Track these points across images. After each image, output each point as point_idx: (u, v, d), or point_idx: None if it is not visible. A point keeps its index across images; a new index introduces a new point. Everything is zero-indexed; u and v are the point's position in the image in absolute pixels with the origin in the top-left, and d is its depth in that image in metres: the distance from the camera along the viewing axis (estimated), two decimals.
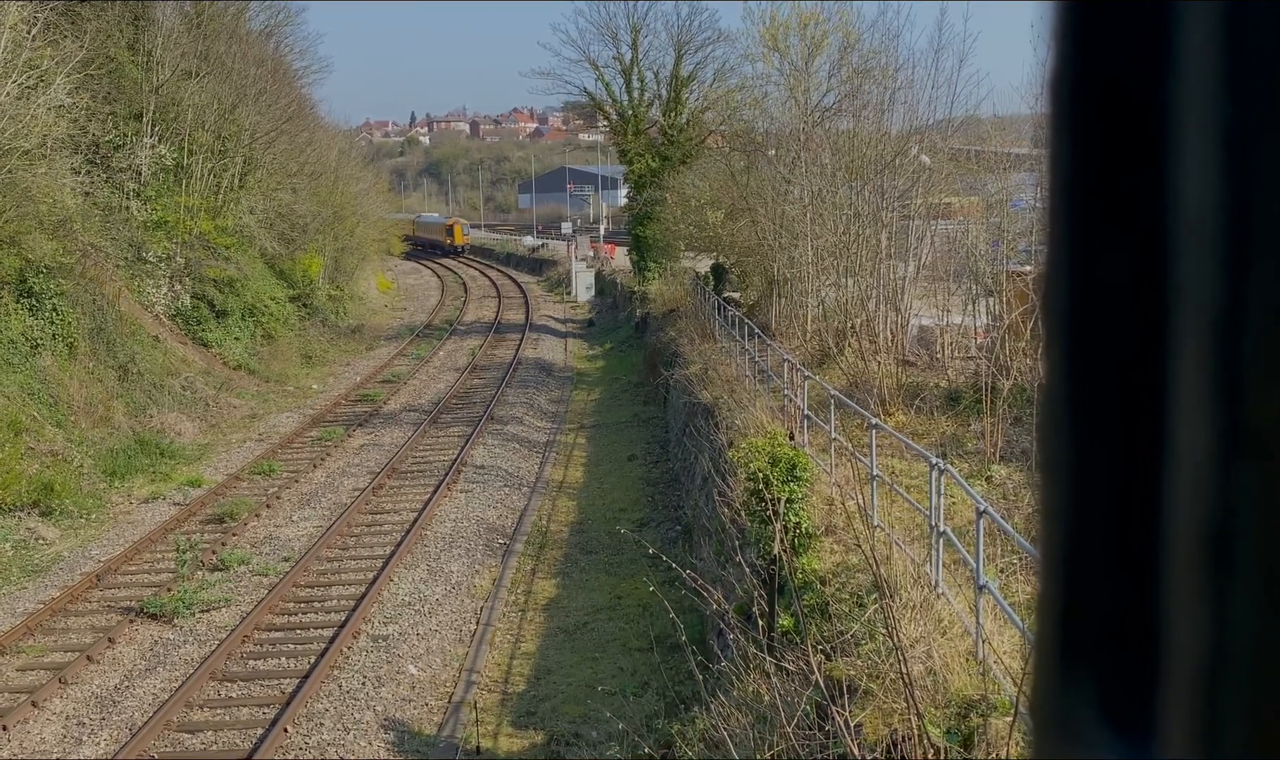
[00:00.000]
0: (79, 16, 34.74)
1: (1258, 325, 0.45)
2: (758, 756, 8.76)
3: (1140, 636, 0.51)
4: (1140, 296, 0.51)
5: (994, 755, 7.46)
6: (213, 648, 16.61)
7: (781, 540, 11.27)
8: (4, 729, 14.25)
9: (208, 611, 18.15)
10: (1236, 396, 0.45)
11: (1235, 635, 0.46)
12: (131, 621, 17.66)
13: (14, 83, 26.43)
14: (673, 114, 50.50)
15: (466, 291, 71.44)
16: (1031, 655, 0.58)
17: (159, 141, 38.12)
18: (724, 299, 32.55)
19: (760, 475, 12.75)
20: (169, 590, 18.58)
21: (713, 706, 10.48)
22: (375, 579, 19.18)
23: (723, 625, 12.28)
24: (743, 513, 13.54)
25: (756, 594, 11.70)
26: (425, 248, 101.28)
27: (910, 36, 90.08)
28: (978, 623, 8.88)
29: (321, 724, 14.45)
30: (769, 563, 12.00)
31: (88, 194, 33.07)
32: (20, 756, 13.90)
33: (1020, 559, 10.19)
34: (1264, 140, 0.45)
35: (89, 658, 16.34)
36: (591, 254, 76.20)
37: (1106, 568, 0.53)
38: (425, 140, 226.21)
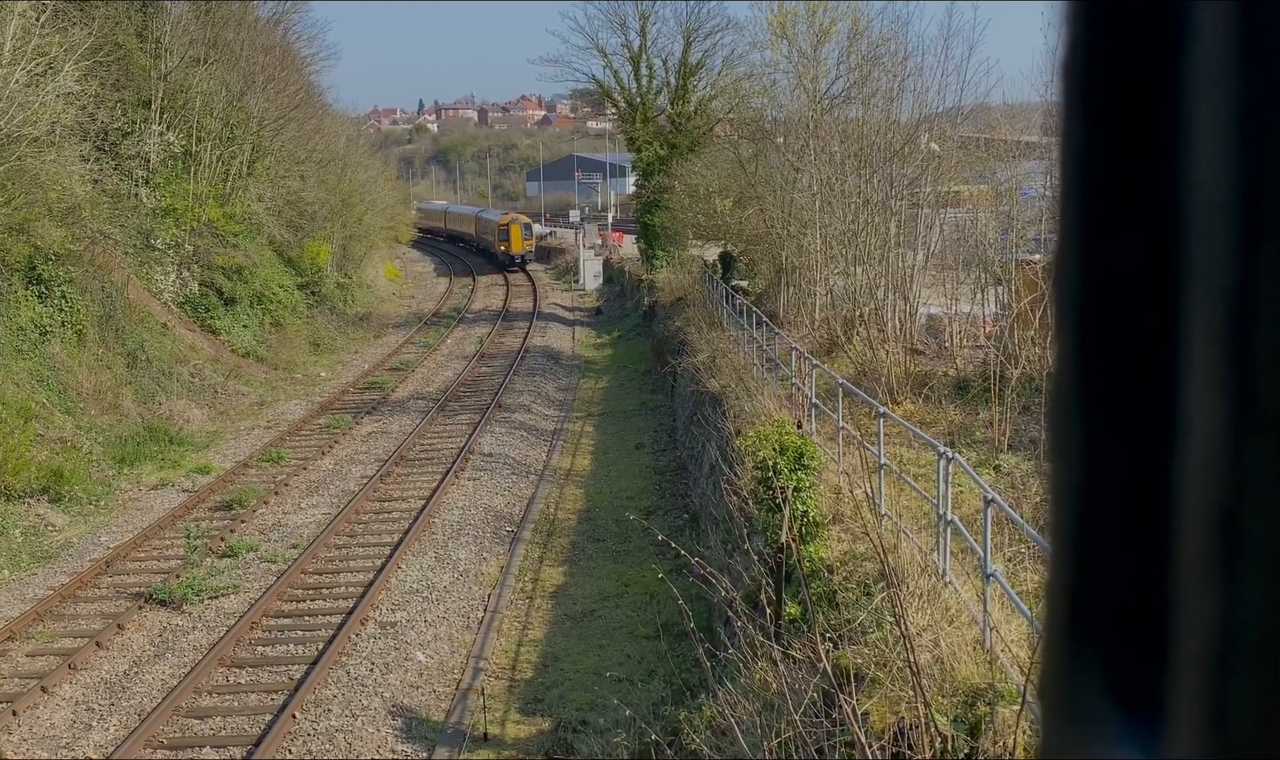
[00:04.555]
0: (87, 4, 34.74)
1: (1269, 306, 0.45)
2: (765, 744, 8.78)
3: (1150, 619, 0.51)
4: (1152, 278, 0.51)
5: (1001, 744, 7.47)
6: (221, 634, 16.67)
7: (789, 528, 11.28)
8: (14, 714, 14.32)
9: (216, 598, 18.21)
10: (1248, 377, 0.45)
11: (1245, 617, 0.46)
12: (140, 608, 17.73)
13: (23, 69, 26.46)
14: (681, 102, 50.41)
15: (474, 280, 71.45)
16: (1041, 639, 0.58)
17: (167, 129, 38.16)
18: (732, 287, 32.52)
19: (768, 463, 12.75)
20: (178, 577, 18.64)
21: (720, 694, 10.50)
22: (383, 566, 19.23)
23: (730, 613, 12.29)
24: (750, 501, 13.54)
25: (764, 582, 11.71)
26: (481, 254, 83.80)
27: (920, 24, 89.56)
28: (985, 611, 8.88)
29: (329, 710, 14.50)
30: (776, 551, 12.01)
31: (96, 181, 33.12)
32: (30, 741, 13.97)
33: (1028, 548, 10.18)
34: (1277, 122, 0.45)
35: (98, 644, 16.40)
36: (599, 242, 76.14)
37: (1116, 550, 0.53)
38: (433, 128, 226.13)
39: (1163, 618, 0.51)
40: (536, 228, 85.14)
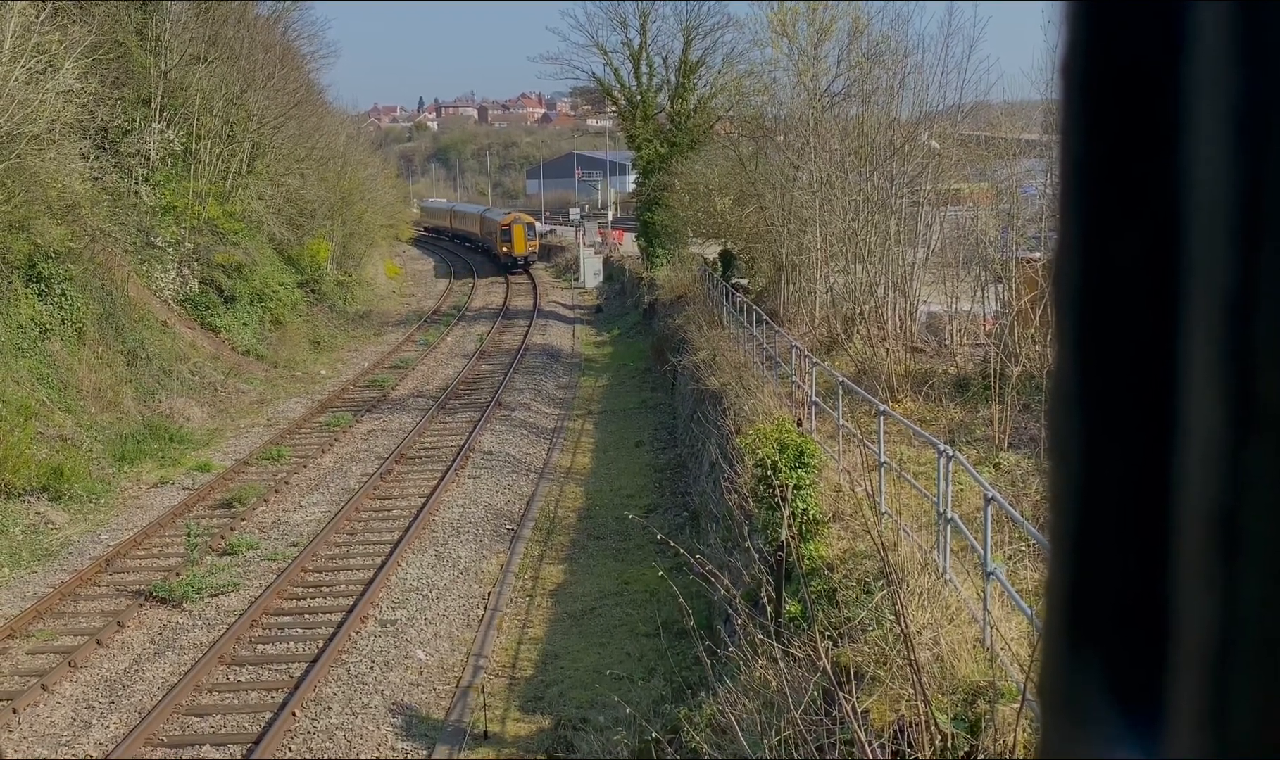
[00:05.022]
0: (87, 1, 34.72)
1: (1269, 304, 0.45)
2: (765, 742, 8.78)
3: (1149, 617, 0.52)
4: (1151, 277, 0.51)
5: (1001, 742, 7.47)
6: (221, 632, 16.67)
7: (789, 526, 11.28)
8: (14, 712, 14.32)
9: (216, 596, 18.21)
10: (1248, 376, 0.45)
11: (1244, 615, 0.46)
12: (141, 606, 17.73)
13: (23, 67, 26.44)
14: (681, 100, 50.42)
15: (474, 277, 71.37)
16: (1040, 637, 0.58)
17: (167, 126, 38.16)
18: (732, 285, 32.52)
19: (768, 461, 12.75)
20: (178, 575, 18.64)
21: (720, 692, 10.50)
22: (383, 564, 19.23)
23: (730, 611, 12.30)
24: (750, 499, 13.54)
25: (764, 580, 11.71)
26: (485, 254, 79.17)
27: (920, 21, 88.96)
28: (985, 609, 8.88)
29: (330, 708, 14.50)
30: (776, 549, 12.01)
31: (96, 179, 33.12)
32: (30, 739, 13.97)
33: (1028, 546, 10.19)
34: (1276, 121, 0.45)
35: (98, 642, 16.40)
36: (599, 240, 76.11)
37: (1116, 549, 0.53)
38: (433, 126, 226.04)
39: (1162, 616, 0.51)
40: (536, 226, 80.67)
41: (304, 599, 18.28)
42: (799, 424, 14.95)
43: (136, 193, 36.62)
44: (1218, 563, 0.46)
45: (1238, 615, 0.46)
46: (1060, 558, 0.55)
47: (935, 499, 10.80)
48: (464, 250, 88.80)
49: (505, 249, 72.37)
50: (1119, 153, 0.52)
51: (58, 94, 28.18)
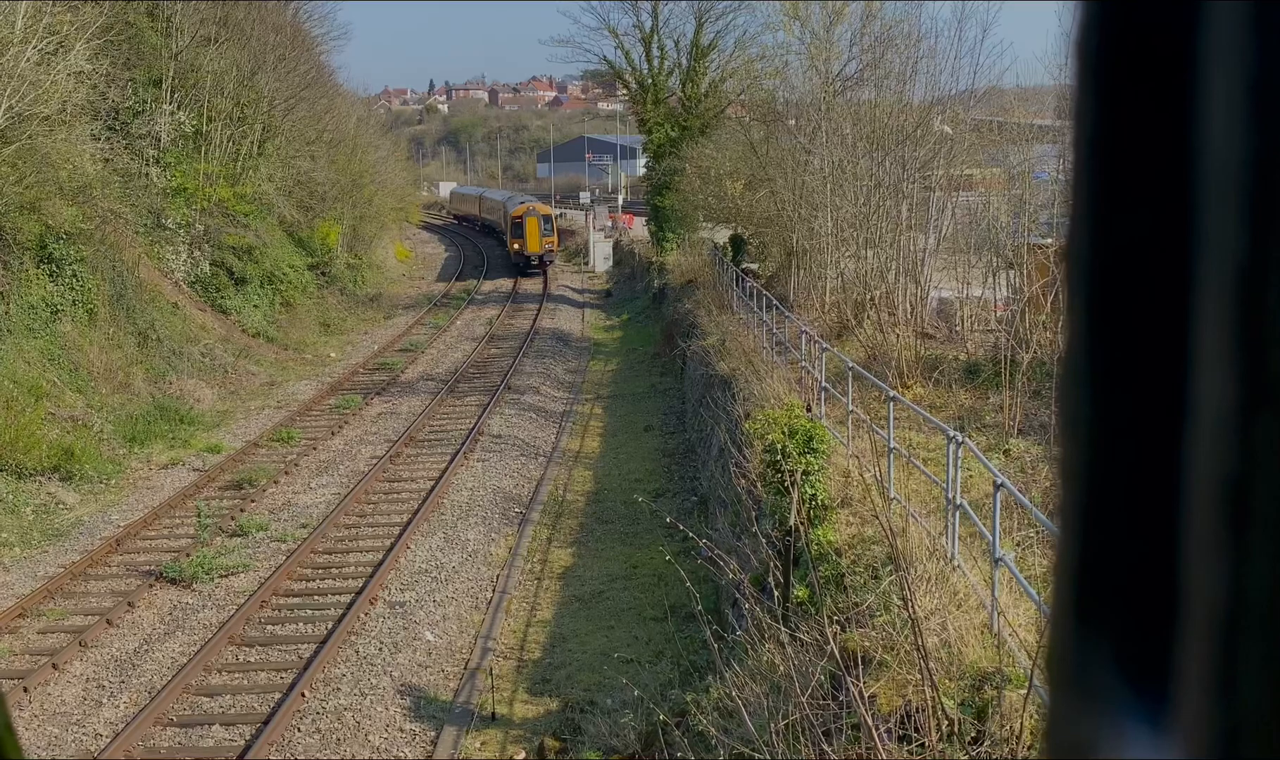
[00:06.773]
0: None
1: None
2: (772, 726, 8.80)
3: (1158, 592, 0.52)
4: (1164, 250, 0.51)
5: (1008, 727, 7.48)
6: (231, 612, 16.74)
7: (798, 511, 11.28)
8: (25, 691, 14.40)
9: (226, 577, 18.28)
10: (1259, 351, 0.45)
11: (1254, 588, 0.46)
12: (151, 586, 17.81)
13: (34, 48, 26.45)
14: (692, 83, 50.25)
15: (484, 261, 71.30)
16: (1049, 613, 0.58)
17: (178, 108, 38.18)
18: (742, 270, 32.47)
19: (777, 447, 12.75)
20: (188, 555, 18.72)
21: (727, 676, 10.53)
22: (392, 546, 19.28)
23: (738, 595, 12.31)
24: (759, 484, 13.55)
25: (772, 565, 11.72)
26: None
27: (933, 5, 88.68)
28: (993, 596, 8.88)
29: (339, 689, 14.56)
30: (785, 534, 12.01)
31: (107, 160, 33.14)
32: (41, 717, 14.05)
33: (1037, 533, 10.18)
34: None
35: (109, 621, 16.49)
36: (610, 224, 75.99)
37: (1125, 524, 0.53)
38: (444, 108, 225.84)
39: (1170, 592, 0.51)
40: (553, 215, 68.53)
41: (313, 580, 18.35)
42: (808, 409, 14.94)
43: (147, 174, 36.65)
44: (1227, 537, 0.46)
45: (1246, 589, 0.46)
46: (1069, 533, 0.55)
47: (944, 485, 10.80)
48: (471, 232, 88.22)
49: (516, 246, 61.23)
50: (1132, 129, 0.52)
51: (69, 75, 28.18)
